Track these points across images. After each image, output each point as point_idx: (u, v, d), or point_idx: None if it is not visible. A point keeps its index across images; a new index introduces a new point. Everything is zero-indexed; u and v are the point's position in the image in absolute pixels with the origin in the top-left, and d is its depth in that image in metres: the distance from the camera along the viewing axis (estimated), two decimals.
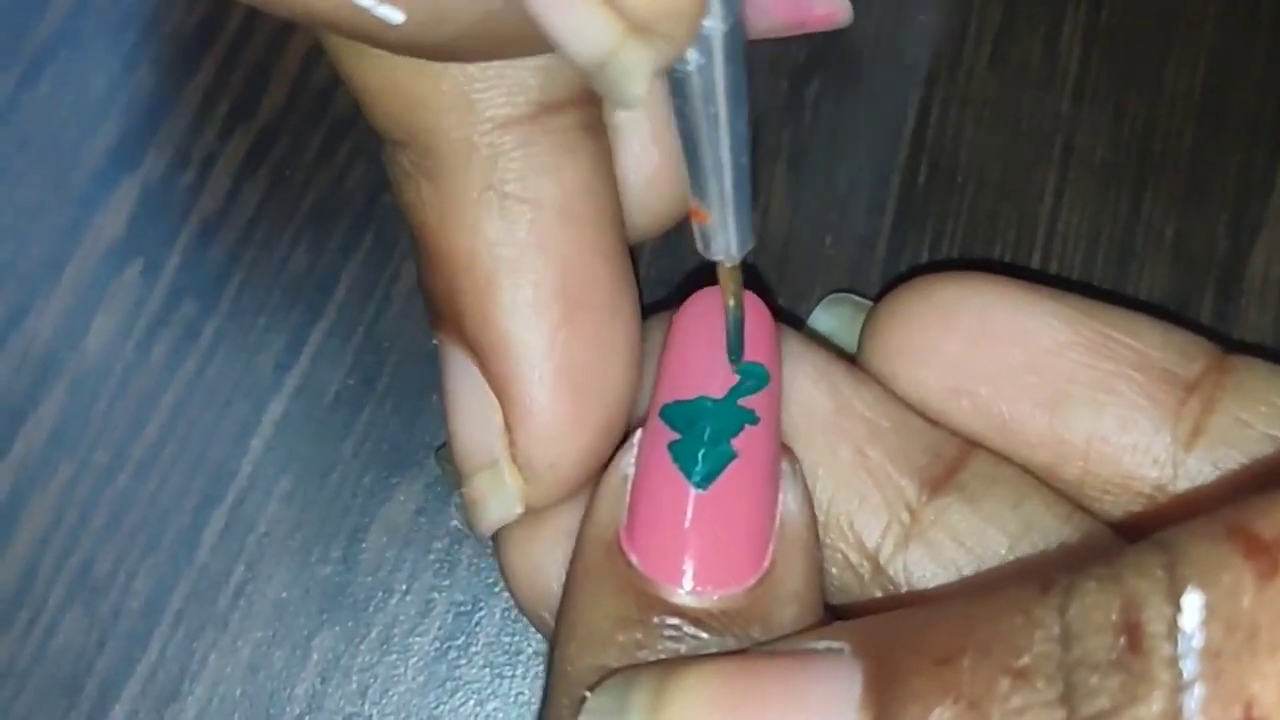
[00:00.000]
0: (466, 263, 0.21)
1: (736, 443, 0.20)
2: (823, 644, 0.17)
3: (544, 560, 0.22)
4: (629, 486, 0.21)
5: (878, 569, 0.21)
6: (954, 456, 0.22)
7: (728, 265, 0.20)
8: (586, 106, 0.21)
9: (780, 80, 0.31)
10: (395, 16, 0.16)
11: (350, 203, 0.30)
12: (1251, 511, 0.14)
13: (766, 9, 0.22)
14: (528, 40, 0.17)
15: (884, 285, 0.30)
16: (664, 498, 0.20)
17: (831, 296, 0.29)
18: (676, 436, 0.20)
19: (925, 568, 0.21)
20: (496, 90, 0.20)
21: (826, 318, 0.29)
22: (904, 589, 0.21)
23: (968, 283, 0.22)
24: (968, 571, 0.21)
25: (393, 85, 0.20)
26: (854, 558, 0.21)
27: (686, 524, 0.20)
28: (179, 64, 0.31)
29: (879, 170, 0.31)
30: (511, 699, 0.28)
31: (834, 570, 0.22)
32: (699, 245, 0.19)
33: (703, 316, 0.21)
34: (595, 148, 0.21)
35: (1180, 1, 0.32)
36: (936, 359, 0.22)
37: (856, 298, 0.29)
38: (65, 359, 0.29)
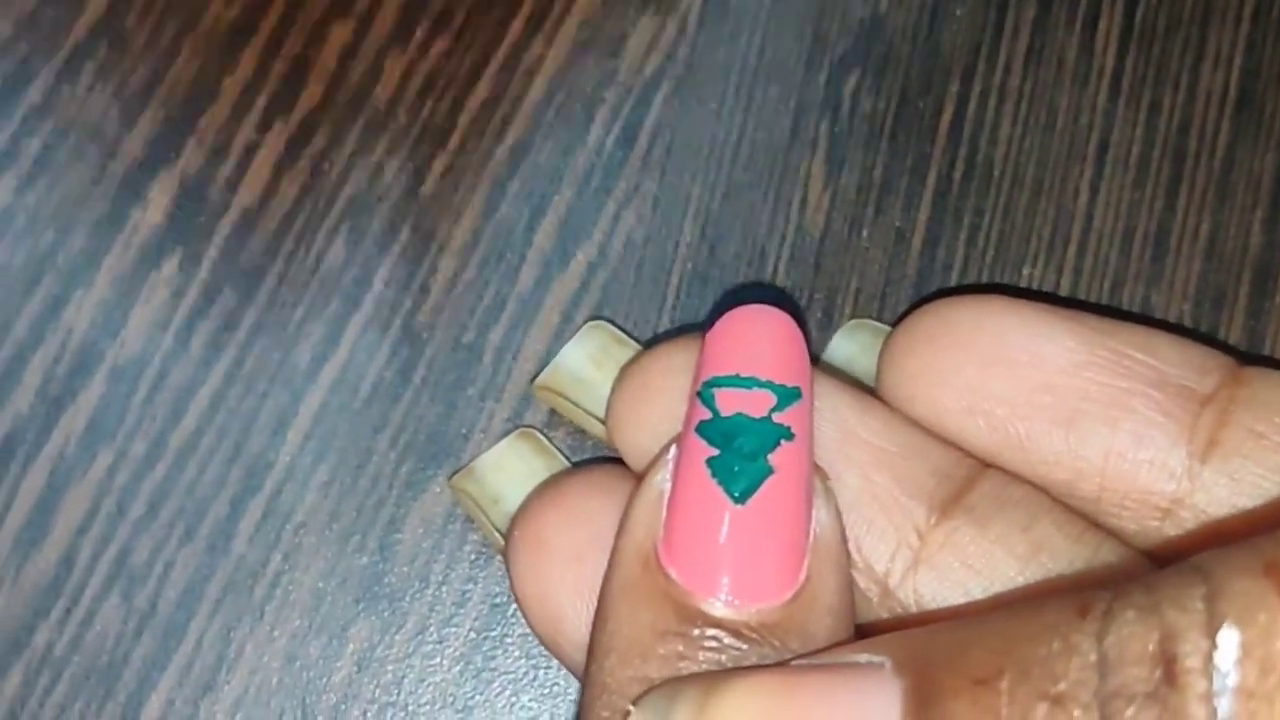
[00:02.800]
0: None
1: (773, 458, 0.20)
2: (864, 657, 0.18)
3: (553, 586, 0.22)
4: (665, 501, 0.21)
5: (886, 592, 0.22)
6: (964, 478, 0.22)
7: None
8: None
9: (818, 73, 0.31)
10: None
11: (388, 195, 0.31)
12: None
13: None
14: None
15: (917, 284, 0.30)
16: (703, 512, 0.20)
17: (851, 323, 0.30)
18: (714, 452, 0.20)
19: (935, 591, 0.21)
20: None
21: (846, 343, 0.29)
22: (914, 612, 0.21)
23: (984, 306, 0.23)
24: (978, 594, 0.21)
25: None
26: (863, 582, 0.21)
27: (725, 539, 0.20)
28: (218, 57, 0.31)
29: (915, 164, 0.31)
30: (547, 689, 0.28)
31: None
32: None
33: (738, 333, 0.21)
34: None
35: None
36: (953, 381, 0.22)
37: (875, 323, 0.29)
38: (104, 350, 0.30)
